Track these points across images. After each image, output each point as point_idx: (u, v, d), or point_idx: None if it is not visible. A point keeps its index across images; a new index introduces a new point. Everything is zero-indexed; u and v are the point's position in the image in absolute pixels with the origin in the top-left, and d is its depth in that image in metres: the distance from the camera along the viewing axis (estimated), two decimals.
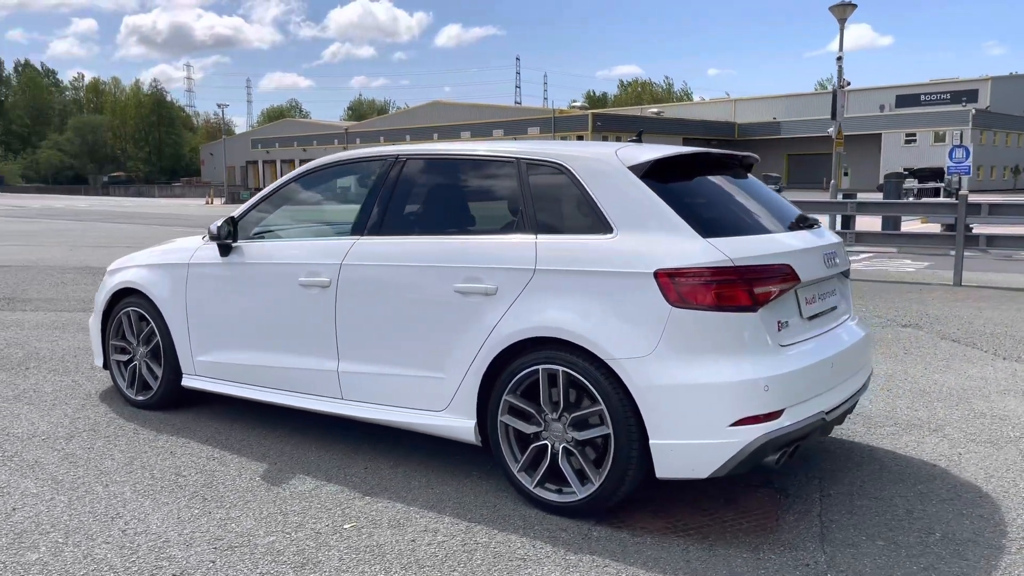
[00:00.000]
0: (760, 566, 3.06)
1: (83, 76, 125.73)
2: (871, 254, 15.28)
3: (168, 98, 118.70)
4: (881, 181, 19.86)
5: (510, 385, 3.56)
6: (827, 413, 3.49)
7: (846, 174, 24.83)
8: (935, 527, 3.42)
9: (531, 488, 3.55)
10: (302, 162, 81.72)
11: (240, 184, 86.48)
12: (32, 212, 36.10)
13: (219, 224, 4.54)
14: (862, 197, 15.01)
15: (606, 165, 3.59)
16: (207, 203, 54.16)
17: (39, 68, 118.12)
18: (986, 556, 3.16)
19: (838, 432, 4.57)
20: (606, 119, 73.08)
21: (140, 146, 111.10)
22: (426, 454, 4.19)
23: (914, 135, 65.19)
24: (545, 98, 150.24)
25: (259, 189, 78.87)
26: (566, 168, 3.66)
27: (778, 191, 4.37)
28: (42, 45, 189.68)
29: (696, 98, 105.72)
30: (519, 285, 3.56)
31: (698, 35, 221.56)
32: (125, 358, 5.16)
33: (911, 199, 21.51)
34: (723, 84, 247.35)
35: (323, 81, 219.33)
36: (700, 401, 3.19)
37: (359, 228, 4.19)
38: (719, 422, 3.16)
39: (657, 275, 3.26)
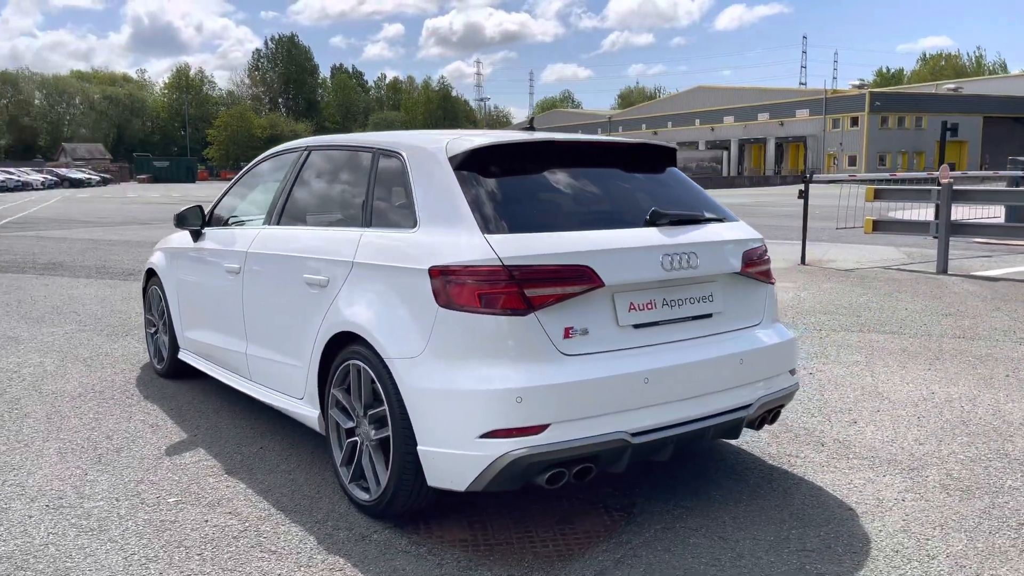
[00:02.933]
0: None
1: (384, 76, 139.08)
2: None
3: (453, 93, 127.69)
4: None
5: (335, 378, 3.55)
6: (634, 435, 3.06)
7: None
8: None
9: (346, 483, 3.52)
10: None
11: None
12: None
13: (181, 211, 4.97)
14: None
15: (429, 155, 3.43)
16: None
17: (349, 71, 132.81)
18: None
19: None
20: (887, 99, 66.41)
21: None
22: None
23: None
24: (834, 78, 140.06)
25: None
26: (402, 159, 3.55)
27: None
28: (358, 50, 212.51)
29: (1015, 70, 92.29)
30: (342, 278, 3.54)
31: None
32: (152, 331, 5.83)
33: None
34: None
35: (601, 70, 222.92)
36: (454, 409, 2.97)
37: (267, 218, 4.39)
38: (469, 432, 2.92)
39: (431, 273, 3.07)
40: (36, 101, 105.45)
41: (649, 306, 3.24)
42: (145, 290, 5.92)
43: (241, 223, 4.82)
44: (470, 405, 2.93)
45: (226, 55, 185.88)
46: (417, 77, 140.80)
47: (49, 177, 61.23)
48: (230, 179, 5.83)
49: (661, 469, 3.91)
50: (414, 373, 3.07)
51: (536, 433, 2.90)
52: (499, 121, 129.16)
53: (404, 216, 3.40)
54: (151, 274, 5.77)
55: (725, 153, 72.74)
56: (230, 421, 4.68)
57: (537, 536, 3.27)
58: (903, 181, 17.27)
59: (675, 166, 3.95)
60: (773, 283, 3.78)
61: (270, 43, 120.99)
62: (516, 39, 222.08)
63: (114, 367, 5.96)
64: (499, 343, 2.95)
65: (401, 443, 3.14)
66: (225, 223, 4.93)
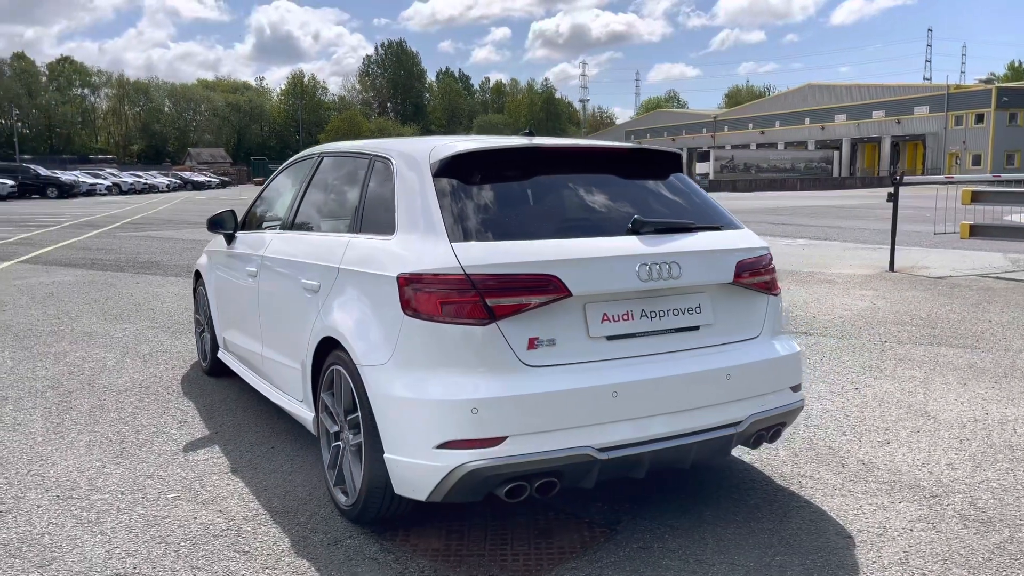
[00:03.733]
0: None
1: (488, 80, 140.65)
2: None
3: (557, 95, 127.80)
4: None
5: (323, 382, 3.60)
6: (601, 450, 2.97)
7: None
8: None
9: (331, 487, 3.57)
10: None
11: None
12: None
13: (214, 215, 5.15)
14: None
15: (413, 162, 3.43)
16: None
17: (455, 74, 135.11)
18: None
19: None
20: (1016, 94, 62.10)
21: None
22: None
23: None
24: (962, 72, 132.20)
25: None
26: (391, 165, 3.57)
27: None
28: (465, 54, 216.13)
29: None
30: (330, 284, 3.59)
31: None
32: (200, 330, 6.08)
33: None
34: None
35: (709, 70, 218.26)
36: (415, 417, 2.96)
37: (283, 223, 4.51)
38: (427, 442, 2.90)
39: (398, 280, 3.08)
40: (165, 108, 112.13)
41: (625, 317, 3.13)
42: (195, 290, 6.18)
43: (264, 227, 4.96)
44: (428, 414, 2.91)
45: (340, 62, 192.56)
46: (523, 79, 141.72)
47: (173, 180, 64.95)
48: None
49: (657, 484, 3.78)
50: (381, 380, 3.08)
51: (493, 445, 2.85)
52: (602, 122, 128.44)
53: (386, 222, 3.41)
54: (198, 275, 6.02)
55: (836, 153, 69.83)
56: (253, 420, 4.83)
57: (511, 550, 3.22)
58: (1009, 183, 16.09)
59: (680, 171, 3.81)
60: (776, 294, 3.60)
61: (380, 49, 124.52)
62: (622, 40, 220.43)
63: (167, 364, 6.25)
64: (460, 353, 2.92)
65: (371, 449, 3.16)
66: (254, 227, 5.09)
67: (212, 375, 5.80)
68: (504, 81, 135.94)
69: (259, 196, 5.25)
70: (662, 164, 3.76)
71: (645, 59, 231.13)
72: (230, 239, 5.18)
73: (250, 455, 4.24)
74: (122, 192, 54.57)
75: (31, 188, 45.69)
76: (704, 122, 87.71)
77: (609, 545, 3.24)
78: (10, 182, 44.03)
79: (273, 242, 4.42)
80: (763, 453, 4.22)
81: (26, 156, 79.49)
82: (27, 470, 4.02)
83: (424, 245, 3.08)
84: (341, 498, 3.46)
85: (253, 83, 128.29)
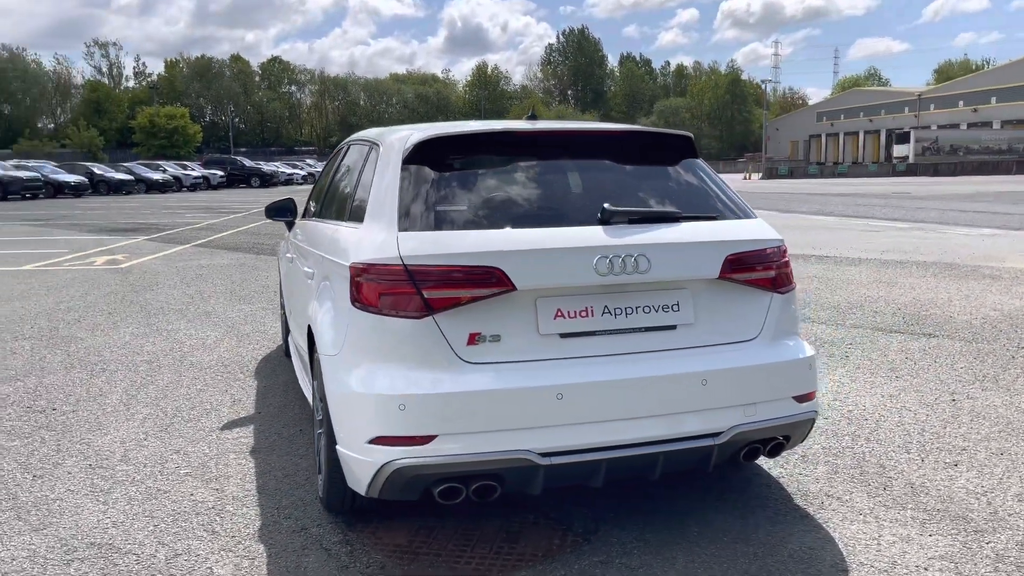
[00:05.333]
0: None
1: (669, 64, 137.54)
2: None
3: (744, 76, 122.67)
4: None
5: (313, 370, 3.63)
6: (544, 455, 2.77)
7: None
8: None
9: (317, 474, 3.60)
10: (867, 133, 77.19)
11: (802, 159, 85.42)
12: None
13: (272, 203, 5.33)
14: None
15: (391, 148, 3.36)
16: (745, 178, 55.16)
17: (636, 59, 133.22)
18: None
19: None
20: None
21: (714, 124, 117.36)
22: None
23: None
24: None
25: (820, 163, 77.33)
26: (378, 151, 3.52)
27: None
28: (650, 38, 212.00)
29: None
30: (318, 272, 3.61)
31: None
32: (281, 312, 6.36)
33: None
34: None
35: (920, 43, 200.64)
36: (352, 411, 2.91)
37: (315, 211, 4.60)
38: (361, 436, 2.84)
39: (350, 270, 3.03)
40: (361, 102, 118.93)
41: (584, 314, 2.90)
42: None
43: (307, 215, 5.09)
44: (362, 408, 2.85)
45: (527, 51, 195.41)
46: (713, 62, 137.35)
47: None
48: None
49: (657, 493, 3.51)
50: (332, 371, 3.06)
51: (421, 444, 2.74)
52: (792, 103, 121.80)
53: (362, 211, 3.37)
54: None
55: None
56: (297, 403, 4.98)
57: (471, 552, 3.10)
58: None
59: (693, 156, 3.48)
60: (785, 292, 3.20)
61: (561, 37, 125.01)
62: (821, 15, 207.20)
63: (258, 344, 6.60)
64: (398, 346, 2.83)
65: (328, 440, 3.15)
66: (306, 215, 5.25)
67: (288, 356, 6.05)
68: (687, 64, 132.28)
69: (315, 185, 5.40)
70: (669, 148, 3.46)
71: (845, 35, 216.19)
72: (290, 226, 5.36)
73: (275, 437, 4.38)
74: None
75: (238, 178, 50.28)
76: (907, 100, 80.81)
77: (571, 556, 3.03)
78: (220, 172, 48.79)
79: (303, 231, 4.52)
80: (796, 468, 3.80)
81: (241, 149, 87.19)
82: (80, 438, 4.38)
83: (378, 234, 3.01)
84: (319, 486, 3.48)
85: (440, 75, 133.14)
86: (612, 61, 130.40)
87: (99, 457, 4.09)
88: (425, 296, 2.80)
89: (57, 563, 3.01)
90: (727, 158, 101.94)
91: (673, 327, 3.00)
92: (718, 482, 3.66)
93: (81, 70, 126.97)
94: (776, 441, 3.12)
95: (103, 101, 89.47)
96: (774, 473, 3.76)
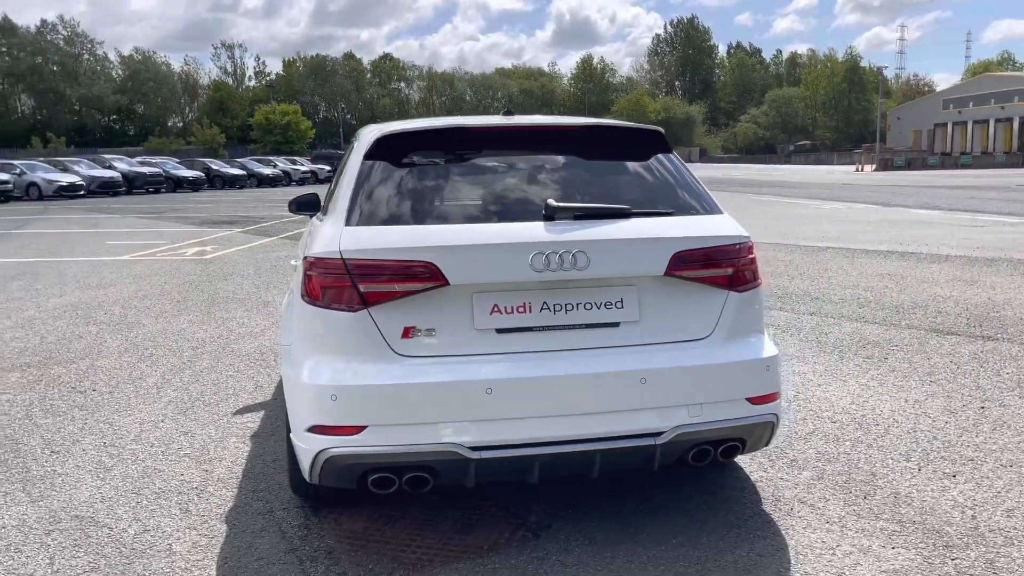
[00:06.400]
0: None
1: (781, 52, 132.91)
2: None
3: (863, 63, 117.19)
4: None
5: None
6: (474, 449, 2.79)
7: None
8: None
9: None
10: (998, 122, 72.22)
11: (926, 149, 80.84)
12: None
13: (297, 197, 5.50)
14: None
15: (359, 144, 3.44)
16: (857, 170, 52.74)
17: (747, 48, 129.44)
18: None
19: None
20: None
21: (830, 114, 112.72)
22: None
23: None
24: None
25: (947, 154, 72.85)
26: (354, 147, 3.61)
27: None
28: (765, 26, 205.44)
29: None
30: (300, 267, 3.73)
31: None
32: None
33: None
34: None
35: None
36: (297, 400, 3.00)
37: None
38: (301, 425, 2.94)
39: (303, 264, 3.13)
40: (467, 97, 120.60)
41: (521, 309, 2.90)
42: None
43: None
44: (302, 398, 2.94)
45: (635, 42, 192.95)
46: (831, 49, 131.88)
47: None
48: None
49: (624, 490, 3.47)
50: (285, 361, 3.18)
51: (351, 434, 2.81)
52: (918, 90, 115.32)
53: (329, 206, 3.47)
54: None
55: None
56: None
57: (421, 541, 3.16)
58: None
59: (664, 151, 3.40)
60: (744, 290, 3.09)
61: (669, 27, 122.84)
62: None
63: None
64: (335, 339, 2.91)
65: (285, 428, 3.27)
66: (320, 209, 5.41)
67: None
68: (814, 51, 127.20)
69: None
70: (637, 143, 3.40)
71: (979, 16, 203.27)
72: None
73: (279, 423, 4.54)
74: None
75: None
76: None
77: (514, 550, 3.05)
78: (327, 167, 50.57)
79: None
80: (780, 472, 3.67)
81: None
82: (106, 418, 4.68)
83: (330, 229, 3.09)
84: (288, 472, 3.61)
85: (546, 69, 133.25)
86: (722, 51, 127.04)
87: (115, 436, 4.37)
88: (361, 290, 2.86)
89: (39, 532, 3.25)
90: (843, 149, 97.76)
91: (616, 324, 2.96)
92: (692, 481, 3.58)
93: (208, 71, 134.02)
94: (729, 444, 3.03)
95: (226, 100, 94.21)
96: (754, 476, 3.65)
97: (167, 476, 3.82)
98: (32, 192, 32.28)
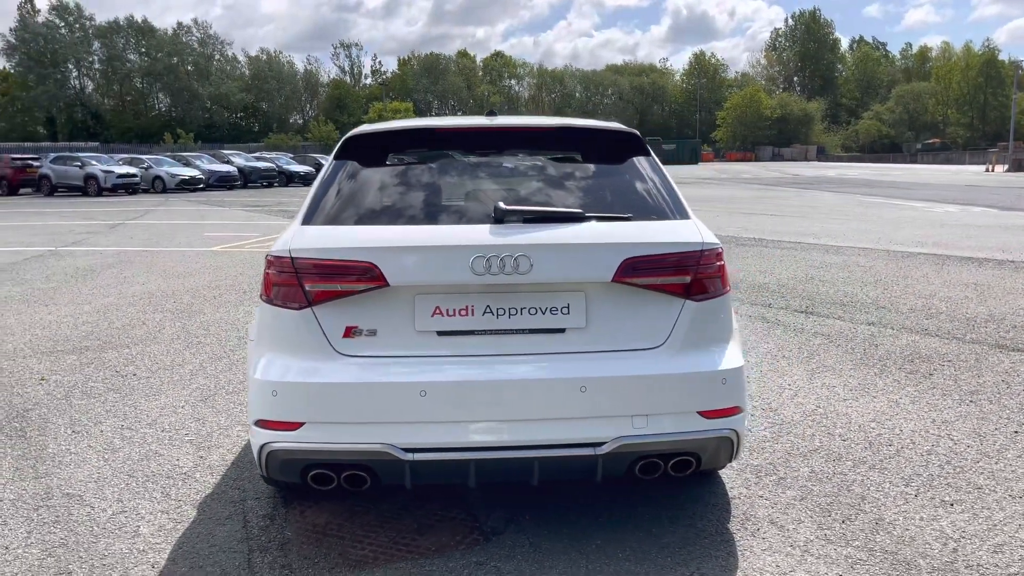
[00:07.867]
0: None
1: (910, 46, 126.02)
2: None
3: (1003, 56, 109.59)
4: None
5: None
6: (407, 451, 2.79)
7: None
8: None
9: None
10: None
11: None
12: (770, 180, 39.00)
13: None
14: None
15: (337, 144, 3.50)
16: (987, 171, 49.42)
17: (871, 42, 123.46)
18: None
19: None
20: None
21: (963, 110, 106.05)
22: None
23: None
24: None
25: None
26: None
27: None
28: (895, 18, 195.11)
29: None
30: None
31: None
32: None
33: None
34: None
35: None
36: (249, 395, 3.08)
37: None
38: (250, 418, 3.02)
39: (265, 262, 3.21)
40: (576, 94, 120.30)
41: (463, 312, 2.88)
42: None
43: None
44: (251, 392, 3.02)
45: (755, 36, 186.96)
46: (968, 41, 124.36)
47: None
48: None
49: (595, 498, 3.39)
50: (248, 357, 3.26)
51: (290, 429, 2.86)
52: None
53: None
54: None
55: None
56: None
57: (374, 538, 3.19)
58: None
59: (641, 153, 3.30)
60: (700, 299, 2.95)
61: (790, 21, 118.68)
62: None
63: None
64: (282, 335, 2.97)
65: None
66: None
67: None
68: (932, 46, 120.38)
69: None
70: (612, 145, 3.31)
71: None
72: None
73: None
74: None
75: None
76: None
77: (458, 553, 3.04)
78: None
79: None
80: (761, 489, 3.51)
81: None
82: (134, 403, 4.94)
83: (290, 229, 3.16)
84: None
85: (658, 64, 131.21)
86: (845, 45, 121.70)
87: (134, 420, 4.61)
88: (306, 288, 2.91)
89: (29, 507, 3.47)
90: (977, 148, 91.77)
91: (562, 330, 2.89)
92: (662, 492, 3.46)
93: (328, 70, 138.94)
94: (680, 458, 2.91)
95: (343, 98, 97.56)
96: (734, 492, 3.49)
97: (163, 460, 4.00)
98: (157, 185, 34.45)
